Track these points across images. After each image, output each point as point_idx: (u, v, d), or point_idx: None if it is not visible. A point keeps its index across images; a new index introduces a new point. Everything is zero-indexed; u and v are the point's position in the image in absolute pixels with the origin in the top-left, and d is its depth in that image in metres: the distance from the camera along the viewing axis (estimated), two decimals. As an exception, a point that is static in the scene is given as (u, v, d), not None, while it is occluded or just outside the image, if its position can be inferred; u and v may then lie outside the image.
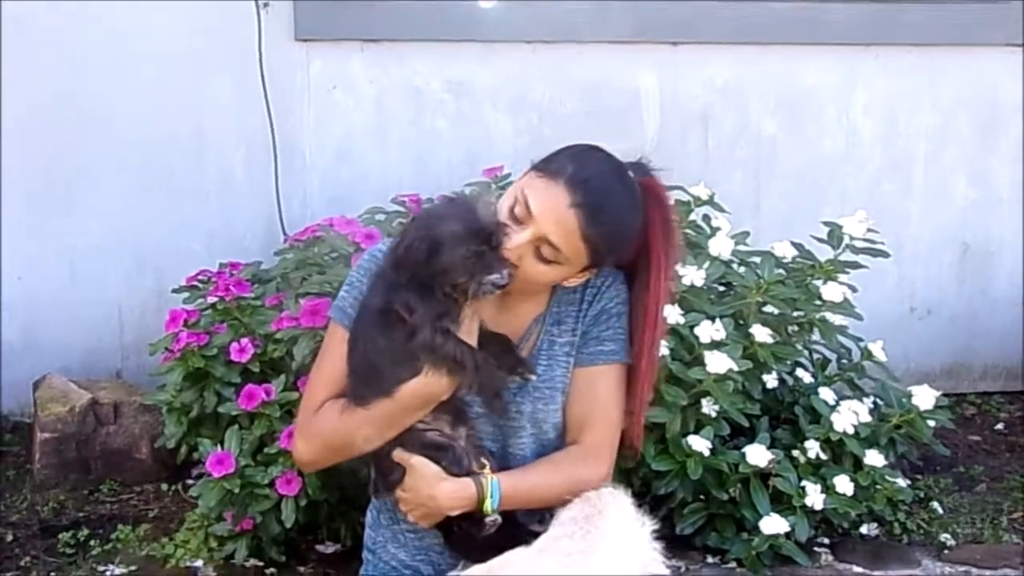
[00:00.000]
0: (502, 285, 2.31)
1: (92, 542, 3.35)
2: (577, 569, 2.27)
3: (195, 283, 3.47)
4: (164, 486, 3.67)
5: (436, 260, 2.28)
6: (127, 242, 4.03)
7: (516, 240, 2.34)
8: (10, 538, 3.38)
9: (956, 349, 4.58)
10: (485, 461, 2.42)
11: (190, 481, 3.26)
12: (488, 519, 2.39)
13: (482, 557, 2.33)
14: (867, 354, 3.54)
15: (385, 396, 2.37)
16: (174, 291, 3.48)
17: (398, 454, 2.42)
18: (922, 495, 3.69)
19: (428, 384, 2.36)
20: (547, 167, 2.37)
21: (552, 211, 2.32)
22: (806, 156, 4.36)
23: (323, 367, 2.52)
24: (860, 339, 3.58)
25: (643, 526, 2.37)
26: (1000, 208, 4.51)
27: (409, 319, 2.32)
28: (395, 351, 2.35)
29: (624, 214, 2.38)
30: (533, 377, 2.46)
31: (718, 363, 3.13)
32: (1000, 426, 4.36)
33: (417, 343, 2.32)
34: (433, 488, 2.39)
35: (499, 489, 2.39)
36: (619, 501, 2.39)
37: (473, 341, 2.38)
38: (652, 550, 2.36)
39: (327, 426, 2.46)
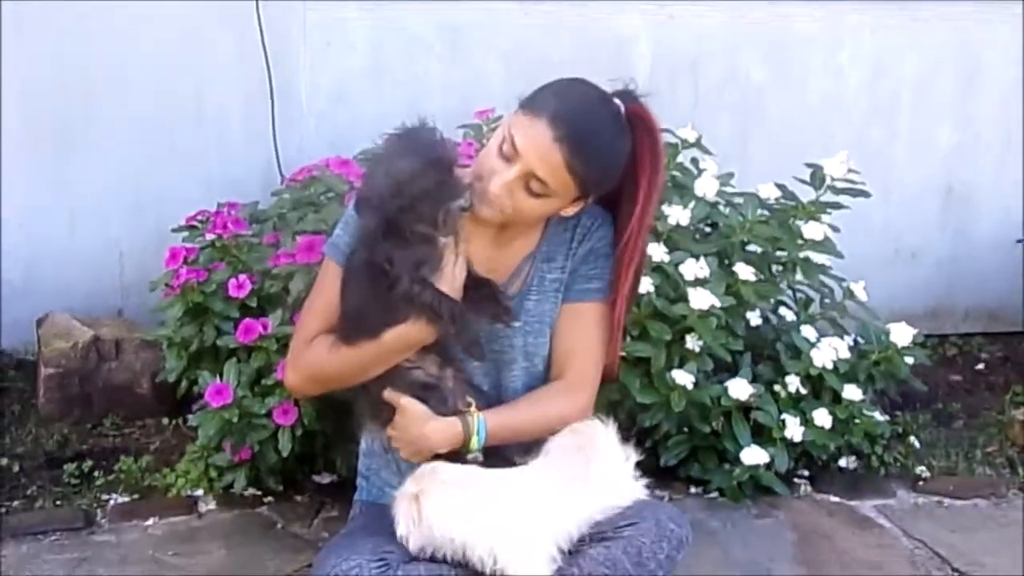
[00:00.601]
0: (466, 208, 2.38)
1: (96, 473, 3.45)
2: (579, 494, 2.39)
3: (194, 223, 3.53)
4: (165, 420, 3.77)
5: (401, 199, 2.34)
6: (127, 185, 4.09)
7: (505, 177, 2.41)
8: (16, 469, 3.47)
9: (939, 291, 4.68)
10: (471, 400, 2.50)
11: (190, 415, 3.34)
12: (470, 456, 2.47)
13: None
14: (849, 294, 3.64)
15: (371, 339, 2.46)
16: (173, 231, 3.55)
17: (388, 394, 2.50)
18: (900, 430, 3.80)
19: (410, 330, 2.45)
20: (531, 104, 2.43)
21: (537, 147, 2.39)
22: (793, 103, 4.43)
23: (316, 301, 2.61)
24: (843, 279, 3.67)
25: (627, 458, 2.49)
26: (983, 153, 4.60)
27: (389, 270, 2.39)
28: (379, 299, 2.43)
29: (609, 143, 2.44)
30: (516, 324, 2.54)
31: (701, 299, 3.22)
32: (981, 366, 4.48)
33: (397, 293, 2.40)
34: (423, 427, 2.47)
35: (485, 427, 2.47)
36: (606, 432, 2.50)
37: (456, 287, 2.45)
38: (635, 480, 2.48)
39: (316, 359, 2.55)
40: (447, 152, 2.40)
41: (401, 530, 2.36)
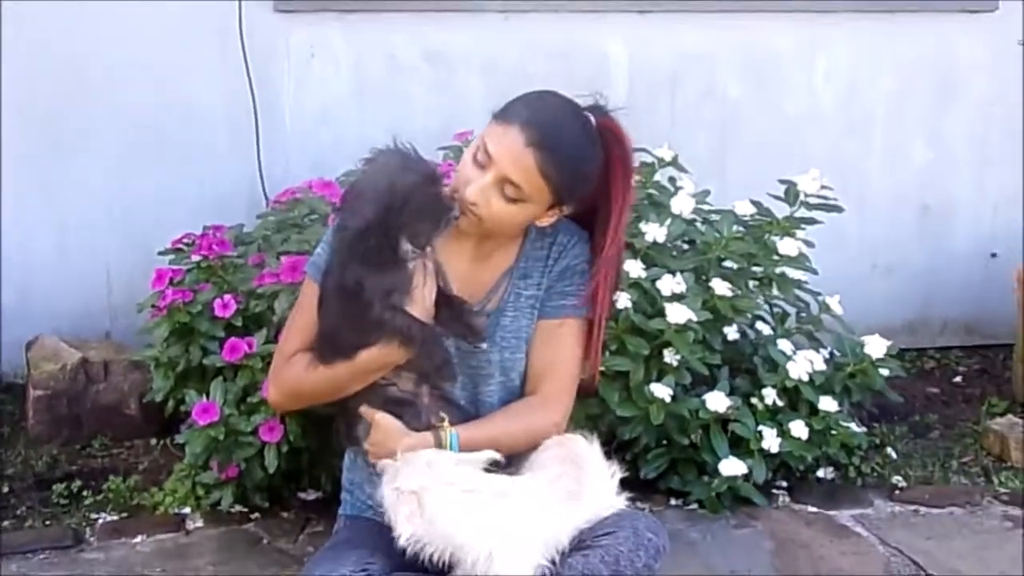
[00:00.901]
0: (458, 216, 2.47)
1: (85, 492, 3.50)
2: (571, 505, 2.45)
3: (180, 246, 3.58)
4: (153, 440, 3.82)
5: (405, 211, 2.39)
6: (115, 209, 4.15)
7: (480, 183, 2.48)
8: (6, 490, 3.52)
9: (916, 305, 4.74)
10: (444, 415, 2.55)
11: (177, 435, 3.39)
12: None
13: None
14: (824, 307, 3.70)
15: (345, 359, 2.52)
16: (160, 253, 3.59)
17: (364, 410, 2.56)
18: (877, 441, 3.86)
19: (383, 353, 2.50)
20: (503, 114, 2.51)
21: (510, 152, 2.45)
22: (770, 119, 4.49)
23: (297, 319, 2.67)
24: (819, 294, 3.73)
25: (612, 473, 2.53)
26: (957, 168, 4.66)
27: (360, 294, 2.45)
28: (352, 321, 2.48)
29: (579, 148, 2.51)
30: (483, 345, 2.58)
31: (678, 314, 3.28)
32: (958, 379, 4.53)
33: (369, 319, 2.45)
34: (397, 443, 2.52)
35: (457, 441, 2.52)
36: (591, 446, 2.55)
37: (427, 308, 2.51)
38: (617, 493, 2.52)
39: (294, 377, 2.62)
40: (431, 164, 2.49)
41: (400, 525, 2.39)
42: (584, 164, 2.53)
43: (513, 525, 2.38)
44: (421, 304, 2.51)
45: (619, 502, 2.51)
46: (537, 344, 2.67)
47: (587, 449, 2.54)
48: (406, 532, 2.39)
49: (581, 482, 2.49)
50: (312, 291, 2.61)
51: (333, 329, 2.54)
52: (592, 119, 2.56)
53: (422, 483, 2.40)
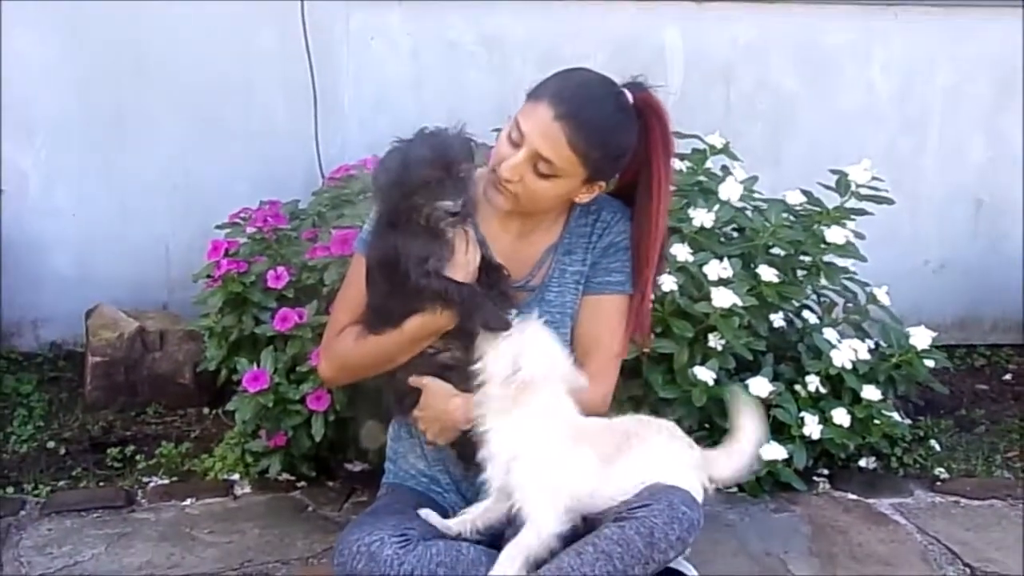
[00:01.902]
0: (454, 213, 2.48)
1: (138, 457, 3.60)
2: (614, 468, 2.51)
3: (237, 220, 3.67)
4: (205, 410, 3.91)
5: (397, 185, 2.47)
6: (176, 183, 4.26)
7: (513, 161, 2.53)
8: (63, 452, 3.63)
9: (968, 302, 4.72)
10: None
11: (228, 404, 3.47)
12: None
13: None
14: (872, 298, 3.71)
15: (393, 328, 2.59)
16: (217, 227, 3.69)
17: (414, 379, 2.62)
18: (922, 434, 3.86)
19: (428, 320, 2.56)
20: (535, 91, 2.58)
21: (539, 127, 2.51)
22: (825, 112, 4.50)
23: (347, 294, 2.75)
24: (867, 284, 3.74)
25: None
26: (1014, 166, 4.62)
27: (398, 264, 2.51)
28: (397, 290, 2.55)
29: (609, 119, 2.55)
30: (512, 313, 2.58)
31: (724, 298, 3.30)
32: (1008, 376, 4.50)
33: (409, 287, 2.52)
34: (447, 403, 2.59)
35: None
36: (670, 432, 2.63)
37: (470, 271, 2.55)
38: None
39: (344, 349, 2.70)
40: (456, 151, 2.49)
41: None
42: (615, 136, 2.56)
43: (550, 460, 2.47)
44: (464, 268, 2.56)
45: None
46: (583, 319, 2.72)
47: (657, 430, 2.61)
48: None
49: (616, 454, 2.53)
50: (360, 266, 2.68)
51: (379, 299, 2.60)
52: (628, 94, 2.60)
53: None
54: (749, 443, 2.62)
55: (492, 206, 2.61)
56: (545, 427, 2.49)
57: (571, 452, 2.48)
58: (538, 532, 2.43)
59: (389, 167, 2.51)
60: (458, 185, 2.48)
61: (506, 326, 2.55)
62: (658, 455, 2.54)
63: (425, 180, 2.46)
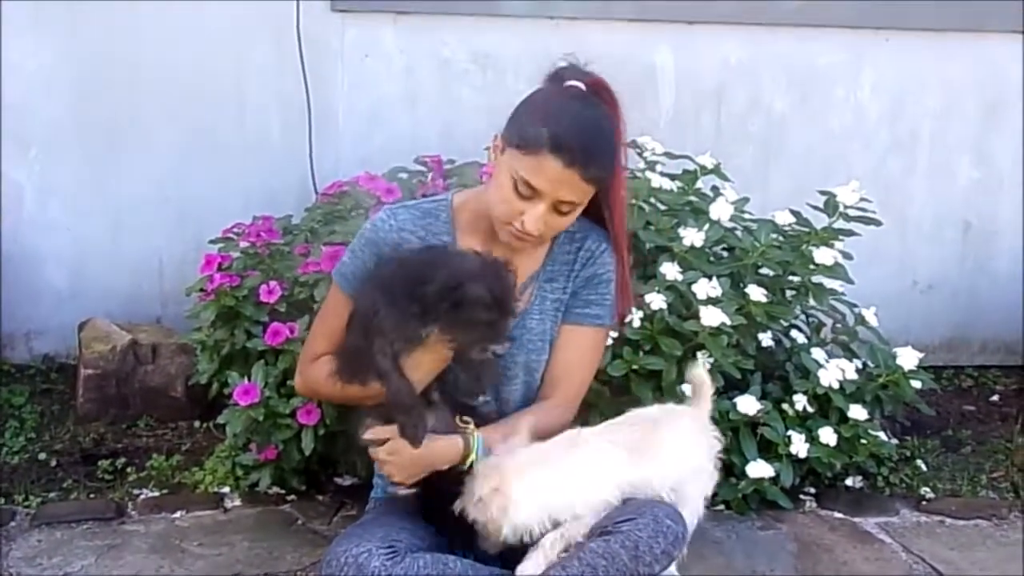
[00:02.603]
0: (500, 355, 2.56)
1: (128, 469, 3.62)
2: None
3: (230, 235, 3.70)
4: (196, 423, 3.93)
5: (454, 318, 2.45)
6: (170, 197, 4.28)
7: (536, 214, 2.54)
8: (54, 463, 3.65)
9: (956, 323, 4.76)
10: (468, 418, 2.64)
11: (219, 417, 3.48)
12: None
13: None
14: (860, 319, 3.74)
15: (360, 384, 2.60)
16: (211, 242, 3.72)
17: (378, 431, 2.61)
18: (908, 454, 3.88)
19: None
20: (524, 141, 2.52)
21: (555, 180, 2.51)
22: (814, 133, 4.55)
23: (323, 322, 2.79)
24: (855, 305, 3.77)
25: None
26: (1002, 188, 4.68)
27: (377, 339, 2.51)
28: (368, 351, 2.55)
29: (605, 134, 2.56)
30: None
31: (712, 317, 3.33)
32: (995, 398, 4.53)
33: (368, 349, 2.52)
34: (425, 447, 2.59)
35: (482, 443, 2.60)
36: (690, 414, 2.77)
37: (421, 378, 2.57)
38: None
39: (316, 380, 2.74)
40: (511, 294, 2.51)
41: (494, 526, 2.49)
42: (609, 142, 2.57)
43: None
44: (417, 371, 2.57)
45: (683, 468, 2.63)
46: (558, 348, 2.77)
47: (677, 415, 2.72)
48: (505, 527, 2.49)
49: (647, 440, 2.61)
50: (339, 299, 2.71)
51: (352, 351, 2.60)
52: (581, 85, 2.59)
53: (494, 483, 2.49)
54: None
55: (491, 237, 2.65)
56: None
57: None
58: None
59: (444, 298, 2.45)
60: (508, 327, 2.53)
61: (415, 443, 2.56)
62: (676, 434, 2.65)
63: (487, 322, 2.47)
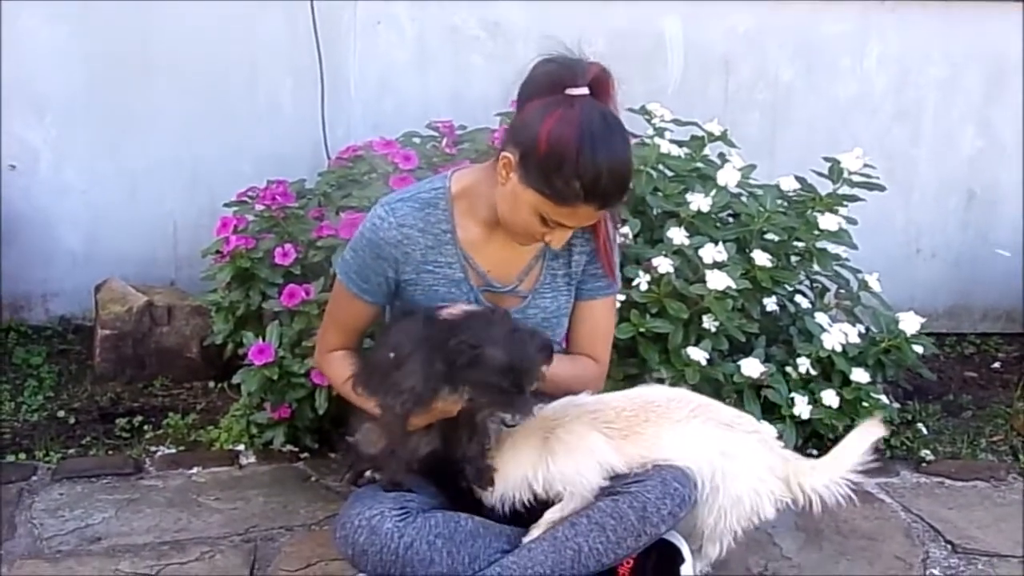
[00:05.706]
0: (510, 425, 2.63)
1: (145, 427, 3.70)
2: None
3: (244, 198, 3.76)
4: (211, 383, 4.00)
5: (468, 375, 2.48)
6: (183, 162, 4.34)
7: (561, 236, 2.64)
8: (73, 421, 3.73)
9: (958, 291, 4.81)
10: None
11: (234, 377, 3.55)
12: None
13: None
14: (863, 285, 3.80)
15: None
16: (225, 205, 3.78)
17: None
18: (910, 418, 3.95)
19: None
20: (555, 194, 2.49)
21: (590, 219, 2.61)
22: (820, 102, 4.58)
23: (332, 316, 2.86)
24: (859, 271, 3.83)
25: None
26: (1005, 158, 4.71)
27: (396, 386, 2.52)
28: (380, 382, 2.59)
29: (627, 159, 2.54)
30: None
31: (718, 280, 3.39)
32: (997, 364, 4.59)
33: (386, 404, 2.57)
34: None
35: None
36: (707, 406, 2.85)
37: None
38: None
39: (333, 375, 2.85)
40: (532, 369, 2.52)
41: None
42: (630, 157, 2.56)
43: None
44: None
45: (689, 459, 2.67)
46: (576, 323, 2.88)
47: (688, 402, 2.79)
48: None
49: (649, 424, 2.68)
50: (345, 293, 2.77)
51: (372, 369, 2.64)
52: (585, 90, 2.52)
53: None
54: (839, 461, 2.82)
55: (491, 222, 2.72)
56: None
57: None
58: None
59: (464, 352, 2.47)
60: (522, 400, 2.54)
61: (390, 486, 2.67)
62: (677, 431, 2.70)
63: (494, 387, 2.48)
